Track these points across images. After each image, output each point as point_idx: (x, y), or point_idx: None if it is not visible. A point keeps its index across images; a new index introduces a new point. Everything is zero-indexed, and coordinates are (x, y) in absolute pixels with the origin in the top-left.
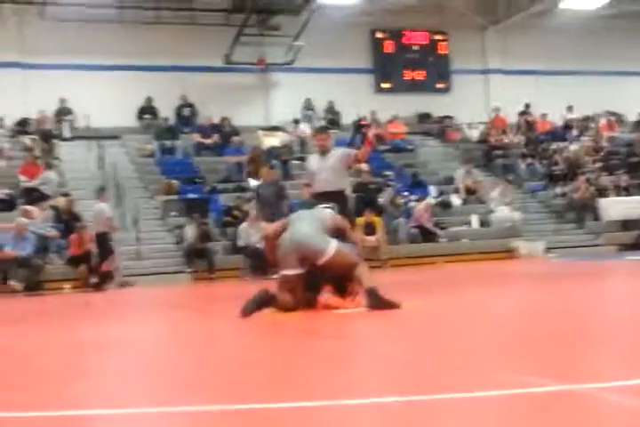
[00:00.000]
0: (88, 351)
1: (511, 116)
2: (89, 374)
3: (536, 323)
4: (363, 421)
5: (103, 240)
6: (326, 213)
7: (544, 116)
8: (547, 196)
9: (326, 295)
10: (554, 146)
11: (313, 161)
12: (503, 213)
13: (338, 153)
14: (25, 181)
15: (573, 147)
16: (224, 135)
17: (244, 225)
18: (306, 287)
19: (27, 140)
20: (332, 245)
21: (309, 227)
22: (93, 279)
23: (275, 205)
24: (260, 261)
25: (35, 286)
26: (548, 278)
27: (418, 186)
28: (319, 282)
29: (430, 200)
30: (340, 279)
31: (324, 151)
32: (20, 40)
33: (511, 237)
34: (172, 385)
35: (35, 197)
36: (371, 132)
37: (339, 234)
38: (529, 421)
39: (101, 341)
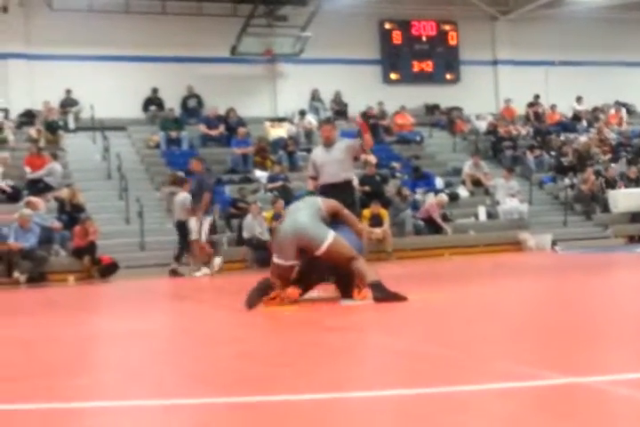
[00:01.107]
0: (93, 343)
1: (520, 108)
2: (94, 366)
3: (543, 315)
4: (369, 414)
5: (184, 228)
6: (317, 199)
7: (553, 107)
8: (555, 187)
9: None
10: (562, 137)
11: (318, 153)
12: (510, 204)
13: (343, 145)
14: (30, 173)
15: (582, 138)
16: (230, 126)
17: (248, 217)
18: (297, 281)
19: (32, 131)
20: (331, 236)
21: (307, 217)
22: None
23: (198, 197)
24: (265, 253)
25: (38, 277)
26: (555, 271)
27: (422, 178)
28: (313, 277)
29: (443, 196)
30: (343, 276)
31: (328, 143)
32: (27, 31)
33: (518, 229)
34: (178, 378)
35: (39, 188)
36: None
37: (336, 216)
38: (537, 413)
39: (107, 332)
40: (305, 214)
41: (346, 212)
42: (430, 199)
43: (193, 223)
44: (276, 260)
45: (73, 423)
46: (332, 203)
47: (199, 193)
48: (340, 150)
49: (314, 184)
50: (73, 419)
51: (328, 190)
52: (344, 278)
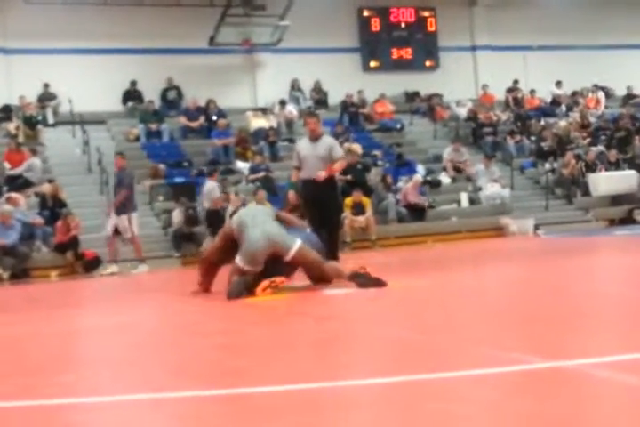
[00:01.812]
0: (77, 339)
1: (500, 93)
2: (79, 362)
3: (525, 300)
4: (355, 402)
5: (214, 217)
6: (267, 207)
7: (532, 92)
8: (536, 172)
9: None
10: (542, 122)
11: (303, 146)
12: (492, 190)
13: (327, 143)
14: (9, 169)
15: (562, 122)
16: (210, 118)
17: (230, 208)
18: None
19: (10, 126)
20: (298, 243)
21: (275, 226)
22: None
23: (116, 195)
24: None
25: (21, 273)
26: (537, 255)
27: (404, 165)
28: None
29: (417, 177)
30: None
31: (314, 137)
32: (2, 24)
33: (500, 214)
34: (163, 371)
35: (19, 184)
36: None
37: (278, 219)
38: (519, 398)
39: (89, 328)
40: (271, 223)
41: (283, 213)
42: (407, 185)
43: (111, 221)
44: (242, 265)
45: (59, 420)
46: (279, 212)
47: (119, 190)
48: (324, 147)
49: (297, 175)
50: (59, 416)
51: (309, 187)
52: (315, 275)
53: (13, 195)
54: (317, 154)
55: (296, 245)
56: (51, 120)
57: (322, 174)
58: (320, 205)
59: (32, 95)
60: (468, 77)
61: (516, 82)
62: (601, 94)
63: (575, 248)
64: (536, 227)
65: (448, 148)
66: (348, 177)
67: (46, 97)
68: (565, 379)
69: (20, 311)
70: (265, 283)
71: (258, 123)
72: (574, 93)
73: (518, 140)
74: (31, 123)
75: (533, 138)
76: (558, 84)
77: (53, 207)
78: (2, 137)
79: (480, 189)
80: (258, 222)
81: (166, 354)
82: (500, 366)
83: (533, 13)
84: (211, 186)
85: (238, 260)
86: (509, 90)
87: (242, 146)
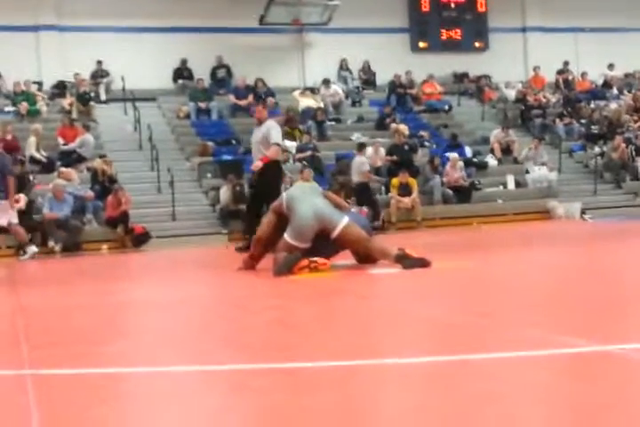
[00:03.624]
0: (127, 310)
1: (550, 75)
2: (129, 333)
3: (574, 284)
4: (400, 380)
5: (363, 190)
6: (315, 185)
7: (584, 74)
8: (584, 156)
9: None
10: (592, 105)
11: (254, 132)
12: (539, 173)
13: (265, 127)
14: (63, 144)
15: (613, 105)
16: (259, 96)
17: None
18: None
19: (64, 102)
20: (345, 220)
21: (321, 200)
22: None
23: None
24: None
25: (72, 246)
26: (585, 239)
27: (456, 147)
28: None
29: (454, 155)
30: (360, 252)
31: (258, 123)
32: (57, 3)
33: (547, 197)
34: (211, 344)
35: (72, 159)
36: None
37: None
38: (567, 380)
39: (140, 300)
40: (320, 199)
41: (330, 194)
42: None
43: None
44: (290, 241)
45: (109, 388)
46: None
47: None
48: (262, 131)
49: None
50: (109, 383)
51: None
52: (361, 253)
53: (66, 169)
54: (255, 139)
55: (343, 221)
56: (103, 97)
57: (257, 165)
58: (254, 190)
59: (85, 72)
60: (517, 59)
61: (566, 64)
62: None
63: (624, 233)
64: (583, 211)
65: (496, 130)
66: (394, 157)
67: (99, 74)
68: (612, 363)
69: (72, 283)
70: (304, 262)
71: (305, 102)
72: (627, 76)
73: (567, 123)
74: (84, 99)
75: (583, 121)
76: (610, 66)
77: (104, 182)
78: (56, 113)
79: (527, 171)
80: (307, 197)
81: (216, 328)
82: (547, 348)
83: None
84: (359, 160)
85: (287, 235)
86: (560, 72)
87: (289, 125)
